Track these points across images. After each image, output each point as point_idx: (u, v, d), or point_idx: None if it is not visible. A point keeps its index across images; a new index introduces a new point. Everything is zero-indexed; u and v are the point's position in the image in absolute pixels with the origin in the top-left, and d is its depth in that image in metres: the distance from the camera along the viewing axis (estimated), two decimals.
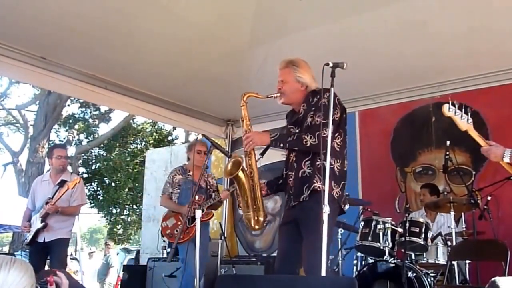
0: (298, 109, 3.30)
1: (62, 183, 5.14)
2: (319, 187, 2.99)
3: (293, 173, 3.19)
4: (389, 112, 6.29)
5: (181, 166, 5.39)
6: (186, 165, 5.37)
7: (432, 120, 6.09)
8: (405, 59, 5.00)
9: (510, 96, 5.36)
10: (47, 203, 5.02)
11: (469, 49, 4.75)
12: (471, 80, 5.34)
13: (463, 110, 3.06)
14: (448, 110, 3.01)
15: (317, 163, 3.01)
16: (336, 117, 3.04)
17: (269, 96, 3.30)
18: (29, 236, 5.16)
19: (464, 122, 3.04)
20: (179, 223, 5.00)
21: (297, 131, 3.22)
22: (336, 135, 3.10)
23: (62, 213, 5.12)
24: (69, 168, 6.17)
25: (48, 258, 5.22)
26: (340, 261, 5.06)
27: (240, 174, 3.22)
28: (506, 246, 3.80)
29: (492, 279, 1.41)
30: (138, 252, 10.18)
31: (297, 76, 3.25)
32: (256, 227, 3.32)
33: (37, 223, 5.10)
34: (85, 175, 18.88)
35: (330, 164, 2.96)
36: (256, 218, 3.28)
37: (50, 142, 16.38)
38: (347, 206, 3.22)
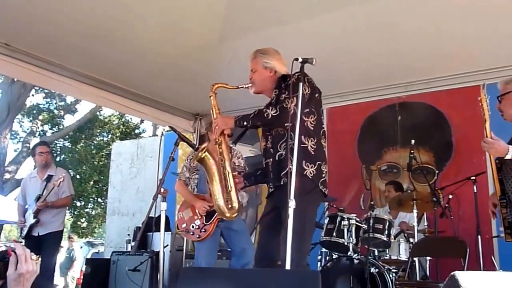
0: (271, 97, 3.25)
1: (49, 178, 5.61)
2: (290, 168, 2.84)
3: (271, 159, 3.13)
4: (356, 111, 6.38)
5: (197, 147, 4.75)
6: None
7: (398, 119, 6.20)
8: (374, 59, 5.05)
9: (473, 98, 5.47)
10: (38, 199, 5.43)
11: (435, 51, 4.84)
12: (437, 81, 5.44)
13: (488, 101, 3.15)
14: (485, 95, 3.11)
15: (290, 142, 2.90)
16: (304, 92, 2.94)
17: (240, 86, 3.27)
18: (25, 231, 5.52)
19: (487, 114, 3.11)
20: (195, 216, 4.34)
21: None
22: (306, 111, 3.00)
23: (53, 206, 5.51)
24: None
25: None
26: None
27: (206, 157, 3.18)
28: (466, 244, 3.91)
29: (452, 273, 1.45)
30: None
31: (264, 62, 3.21)
32: (228, 214, 3.24)
33: (30, 219, 5.47)
34: None
35: (303, 143, 2.94)
36: (229, 205, 3.21)
37: (13, 132, 15.97)
38: (326, 191, 3.08)
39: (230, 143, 4.04)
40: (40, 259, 1.68)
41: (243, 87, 3.28)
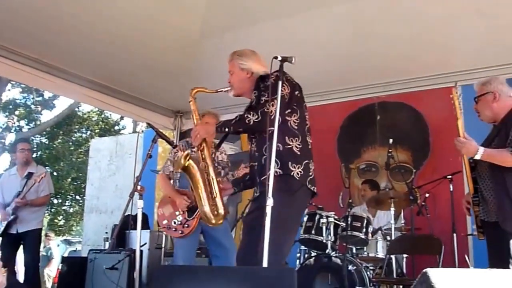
0: (251, 98, 3.21)
1: (29, 175, 5.53)
2: (277, 171, 2.83)
3: (256, 163, 3.09)
4: (336, 110, 6.41)
5: (185, 140, 4.69)
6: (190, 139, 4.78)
7: (377, 118, 6.26)
8: (354, 58, 5.10)
9: (450, 99, 5.54)
10: (17, 196, 5.40)
11: (414, 52, 4.91)
12: (415, 81, 5.52)
13: (460, 99, 3.23)
14: (457, 93, 3.18)
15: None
16: (283, 93, 2.89)
17: (219, 90, 3.23)
18: (1, 228, 5.43)
19: (459, 112, 3.18)
20: (176, 212, 4.23)
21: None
22: (288, 111, 2.98)
23: (32, 204, 5.48)
24: None
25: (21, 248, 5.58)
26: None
27: (190, 165, 3.13)
28: (441, 241, 3.98)
29: (424, 270, 1.47)
30: None
31: (240, 64, 3.17)
32: (214, 221, 3.19)
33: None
34: None
35: (287, 144, 2.93)
36: (215, 212, 3.16)
37: None
38: (315, 189, 3.04)
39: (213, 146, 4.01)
40: (6, 272, 1.65)
41: (222, 90, 3.23)
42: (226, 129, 3.04)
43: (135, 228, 4.17)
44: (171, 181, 4.44)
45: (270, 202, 2.55)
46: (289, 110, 3.00)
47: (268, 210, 2.53)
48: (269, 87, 2.88)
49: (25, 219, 5.44)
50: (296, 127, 3.01)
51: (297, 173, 2.93)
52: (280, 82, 2.82)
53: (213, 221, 3.20)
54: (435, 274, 1.43)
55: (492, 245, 3.13)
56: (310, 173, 3.02)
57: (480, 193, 3.17)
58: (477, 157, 3.04)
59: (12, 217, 5.35)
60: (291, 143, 2.97)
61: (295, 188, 2.93)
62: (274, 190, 2.62)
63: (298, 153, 2.98)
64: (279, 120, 2.78)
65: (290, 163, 2.93)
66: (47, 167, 18.57)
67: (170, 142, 4.17)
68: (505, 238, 2.95)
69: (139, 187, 3.71)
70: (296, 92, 3.08)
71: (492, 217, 3.08)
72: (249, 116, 2.94)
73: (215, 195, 3.16)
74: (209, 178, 3.17)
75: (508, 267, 2.83)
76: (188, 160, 3.17)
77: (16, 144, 6.04)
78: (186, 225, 4.16)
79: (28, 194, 5.42)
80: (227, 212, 3.30)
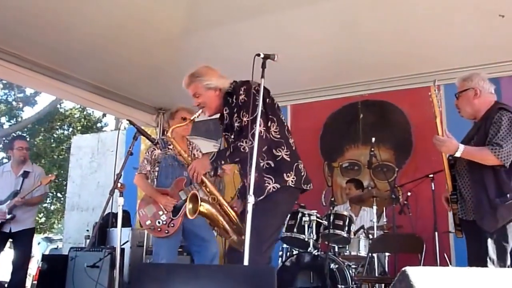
0: (222, 113, 3.21)
1: (26, 174, 5.48)
2: (274, 187, 2.91)
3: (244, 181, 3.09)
4: (319, 108, 6.43)
5: (161, 138, 4.61)
6: (167, 137, 4.76)
7: (360, 117, 6.28)
8: (337, 56, 5.10)
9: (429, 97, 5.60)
10: (15, 195, 5.29)
11: (397, 51, 4.92)
12: (399, 80, 5.55)
13: (440, 97, 3.25)
14: (434, 91, 3.18)
15: (261, 164, 2.91)
16: (263, 110, 2.88)
17: (194, 117, 3.24)
18: None
19: (438, 109, 3.18)
20: (160, 212, 4.15)
21: (232, 138, 3.09)
22: (269, 124, 2.99)
23: (28, 203, 5.42)
24: None
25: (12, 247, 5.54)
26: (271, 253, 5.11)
27: (203, 208, 3.04)
28: (422, 240, 4.01)
29: (403, 269, 1.47)
30: None
31: (206, 85, 3.12)
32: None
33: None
34: (5, 160, 17.94)
35: (277, 156, 2.96)
36: (241, 237, 3.05)
37: None
38: (309, 186, 3.08)
39: (189, 137, 4.00)
40: None
41: (198, 115, 3.22)
42: (222, 162, 3.07)
43: (116, 226, 4.12)
44: (149, 180, 4.38)
45: (251, 200, 2.54)
46: (268, 123, 3.01)
47: (249, 208, 2.53)
48: (243, 105, 2.91)
49: (19, 219, 5.36)
50: (278, 136, 3.04)
51: (291, 181, 2.98)
52: (261, 94, 2.79)
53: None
54: (414, 272, 1.43)
55: (471, 243, 3.14)
56: (302, 173, 3.06)
57: (458, 190, 3.18)
58: (457, 154, 3.04)
59: (9, 216, 5.26)
60: (279, 153, 3.00)
61: (285, 197, 2.97)
62: (271, 203, 2.73)
63: (288, 160, 3.01)
64: (265, 135, 2.85)
65: (284, 174, 2.97)
66: None
67: (151, 139, 4.12)
68: (483, 236, 2.95)
69: (119, 185, 3.67)
70: (267, 100, 3.06)
71: (470, 215, 3.09)
72: (242, 144, 2.94)
73: (235, 221, 3.12)
74: (223, 209, 3.13)
75: (486, 266, 2.84)
76: (201, 205, 3.04)
77: (14, 141, 5.89)
78: (172, 225, 4.11)
79: (23, 193, 5.32)
80: None
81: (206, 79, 3.13)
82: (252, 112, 2.82)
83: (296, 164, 3.03)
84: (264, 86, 2.99)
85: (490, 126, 3.03)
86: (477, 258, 2.96)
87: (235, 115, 3.04)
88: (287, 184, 2.95)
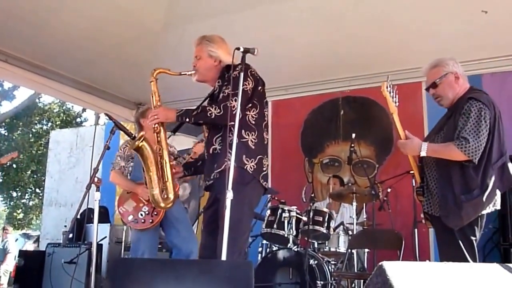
0: (214, 86, 3.19)
1: None
2: (228, 163, 2.79)
3: (207, 153, 3.08)
4: (300, 104, 6.43)
5: (134, 136, 4.70)
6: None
7: (340, 113, 6.29)
8: (319, 52, 5.11)
9: (415, 94, 5.62)
10: None
11: (379, 47, 4.94)
12: (378, 76, 5.55)
13: (395, 93, 3.11)
14: (386, 88, 3.06)
15: (229, 138, 2.82)
16: (246, 88, 2.91)
17: (183, 73, 3.18)
18: None
19: (393, 105, 3.09)
20: (141, 204, 4.08)
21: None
22: (248, 106, 2.97)
23: None
24: None
25: None
26: (246, 249, 5.10)
27: (143, 146, 3.11)
28: (401, 236, 4.01)
29: (379, 264, 1.47)
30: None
31: (209, 51, 3.12)
32: (162, 204, 3.22)
33: None
34: None
35: (243, 137, 2.91)
36: (164, 196, 3.18)
37: None
38: (266, 184, 3.04)
39: (169, 133, 3.94)
40: None
41: (186, 74, 3.18)
42: (187, 119, 3.02)
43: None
44: (123, 175, 4.31)
45: (229, 195, 2.52)
46: (249, 105, 2.99)
47: (228, 203, 2.50)
48: (232, 79, 2.87)
49: None
50: (253, 122, 3.01)
51: (250, 167, 2.94)
52: (242, 76, 2.79)
53: (162, 204, 3.25)
54: (390, 267, 1.42)
55: (439, 236, 3.08)
56: (264, 169, 3.02)
57: (426, 183, 3.09)
58: (422, 154, 2.96)
59: None
60: (247, 137, 2.96)
61: (247, 180, 2.92)
62: (226, 182, 2.60)
63: (253, 147, 2.97)
64: (239, 114, 2.77)
65: (244, 156, 2.92)
66: None
67: (128, 133, 4.06)
68: (451, 231, 2.88)
69: (96, 179, 3.61)
70: (259, 88, 3.06)
71: (436, 210, 3.01)
72: (211, 109, 2.92)
73: (166, 179, 3.17)
74: (162, 161, 3.17)
75: (457, 260, 2.76)
76: (142, 141, 3.14)
77: None
78: (155, 213, 4.05)
79: None
80: (177, 196, 3.30)
81: (212, 46, 3.13)
82: (236, 88, 2.80)
83: (260, 156, 2.99)
84: (261, 78, 3.06)
85: (459, 118, 2.91)
86: (447, 252, 2.91)
87: (224, 87, 3.02)
88: (245, 167, 2.90)
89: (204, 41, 3.17)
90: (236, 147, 2.79)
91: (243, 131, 2.92)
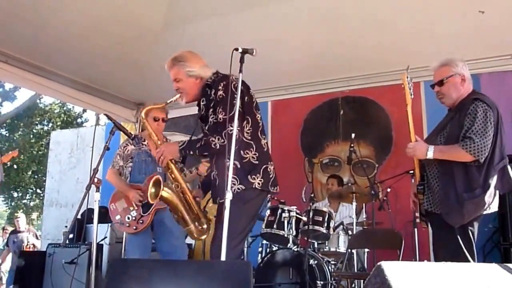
0: (200, 106, 3.16)
1: None
2: (238, 188, 2.86)
3: (216, 173, 3.07)
4: (300, 104, 6.43)
5: (135, 135, 4.54)
6: (142, 133, 4.54)
7: (340, 113, 6.29)
8: (318, 53, 5.10)
9: (414, 94, 5.61)
10: None
11: (378, 47, 4.93)
12: (379, 76, 5.56)
13: (412, 85, 3.13)
14: (406, 78, 3.08)
15: (228, 164, 2.76)
16: (241, 109, 2.86)
17: (169, 102, 3.14)
18: None
19: (410, 97, 3.10)
20: (131, 207, 4.12)
21: (206, 130, 3.04)
22: (243, 125, 2.95)
23: None
24: None
25: None
26: (245, 249, 5.10)
27: (165, 193, 3.04)
28: (401, 236, 4.01)
29: (378, 264, 1.47)
30: None
31: (187, 71, 3.06)
32: (202, 237, 3.21)
33: None
34: None
35: (244, 158, 2.91)
36: (199, 227, 3.15)
37: None
38: (276, 189, 3.04)
39: (169, 132, 3.98)
40: None
41: (172, 101, 3.14)
42: (191, 152, 3.01)
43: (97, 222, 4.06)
44: (122, 176, 4.33)
45: (229, 195, 2.52)
46: (243, 122, 2.97)
47: (227, 203, 2.51)
48: (221, 101, 2.87)
49: None
50: (249, 137, 2.99)
51: (258, 183, 2.94)
52: (229, 96, 2.78)
53: (202, 237, 3.22)
54: (389, 267, 1.42)
55: (438, 235, 3.08)
56: (271, 176, 3.02)
57: (426, 181, 3.10)
58: (429, 156, 2.96)
59: None
60: (247, 155, 2.96)
61: (254, 195, 2.94)
62: (232, 204, 2.59)
63: (256, 162, 2.97)
64: (238, 136, 2.79)
65: (249, 176, 2.92)
66: None
67: (127, 134, 4.06)
68: (451, 229, 2.89)
69: (96, 180, 3.61)
70: (246, 98, 3.01)
71: (437, 208, 3.02)
72: (214, 140, 2.89)
73: (195, 211, 3.14)
74: (185, 197, 3.13)
75: (456, 259, 2.76)
76: (163, 190, 3.05)
77: None
78: (141, 221, 4.07)
79: None
80: (209, 220, 3.24)
81: (188, 66, 3.07)
82: (229, 110, 2.77)
83: (264, 166, 2.98)
84: (244, 82, 2.96)
85: (465, 118, 2.94)
86: (445, 251, 2.91)
87: (211, 109, 2.98)
88: (253, 186, 2.91)
89: (177, 62, 3.09)
90: (240, 170, 2.84)
91: (241, 152, 2.92)
